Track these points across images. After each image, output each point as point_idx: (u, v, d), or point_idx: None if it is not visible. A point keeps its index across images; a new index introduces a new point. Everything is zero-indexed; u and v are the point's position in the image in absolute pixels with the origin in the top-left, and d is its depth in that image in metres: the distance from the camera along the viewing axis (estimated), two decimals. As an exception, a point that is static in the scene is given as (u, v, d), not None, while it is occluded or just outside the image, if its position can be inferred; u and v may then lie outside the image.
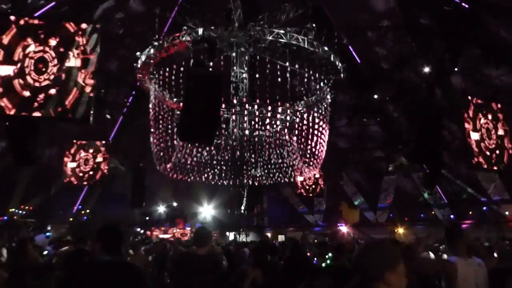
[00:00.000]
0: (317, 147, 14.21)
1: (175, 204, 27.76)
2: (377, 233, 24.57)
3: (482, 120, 9.00)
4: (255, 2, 15.65)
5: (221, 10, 12.72)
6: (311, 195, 19.61)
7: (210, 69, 9.05)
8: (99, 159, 14.81)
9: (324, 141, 14.58)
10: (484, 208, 24.35)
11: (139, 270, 3.45)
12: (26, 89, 6.38)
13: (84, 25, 6.77)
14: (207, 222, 25.24)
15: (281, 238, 23.18)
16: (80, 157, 14.68)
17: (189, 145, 14.25)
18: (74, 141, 14.87)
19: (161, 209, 27.68)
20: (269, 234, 24.67)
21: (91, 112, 6.57)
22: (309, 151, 14.29)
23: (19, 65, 6.40)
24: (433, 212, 26.03)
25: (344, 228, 26.08)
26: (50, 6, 14.28)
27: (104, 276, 3.13)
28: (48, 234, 17.75)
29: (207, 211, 27.56)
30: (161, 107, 13.82)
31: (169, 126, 13.82)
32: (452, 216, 24.68)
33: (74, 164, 14.65)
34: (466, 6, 12.20)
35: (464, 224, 22.21)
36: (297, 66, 12.77)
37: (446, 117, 11.62)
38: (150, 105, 14.25)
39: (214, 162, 15.80)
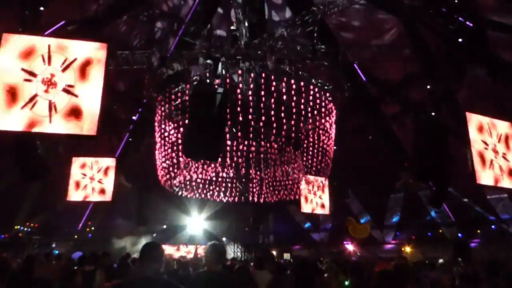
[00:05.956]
0: (322, 164, 14.16)
1: (178, 222, 27.67)
2: (383, 252, 24.28)
3: (489, 138, 8.92)
4: (262, 24, 15.74)
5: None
6: (316, 212, 19.42)
7: (215, 86, 9.09)
8: (105, 176, 14.75)
9: (329, 158, 14.53)
10: (493, 226, 24.02)
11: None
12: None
13: (93, 43, 6.79)
14: (206, 238, 25.07)
15: (286, 256, 22.97)
16: (86, 174, 14.61)
17: (195, 162, 14.21)
18: (80, 157, 14.83)
19: (165, 226, 27.58)
20: (274, 252, 24.44)
21: (98, 128, 6.53)
22: (314, 168, 14.22)
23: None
24: (440, 231, 25.72)
25: (350, 247, 25.82)
26: (60, 25, 14.47)
27: None
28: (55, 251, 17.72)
29: (204, 227, 27.44)
30: (166, 123, 13.85)
31: (175, 143, 13.81)
32: (460, 235, 24.36)
33: (79, 181, 14.58)
34: (471, 24, 12.25)
35: (472, 243, 21.87)
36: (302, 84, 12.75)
37: (452, 135, 11.56)
38: (156, 122, 14.31)
39: (219, 179, 15.74)
